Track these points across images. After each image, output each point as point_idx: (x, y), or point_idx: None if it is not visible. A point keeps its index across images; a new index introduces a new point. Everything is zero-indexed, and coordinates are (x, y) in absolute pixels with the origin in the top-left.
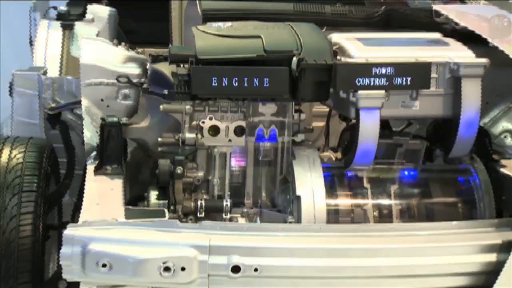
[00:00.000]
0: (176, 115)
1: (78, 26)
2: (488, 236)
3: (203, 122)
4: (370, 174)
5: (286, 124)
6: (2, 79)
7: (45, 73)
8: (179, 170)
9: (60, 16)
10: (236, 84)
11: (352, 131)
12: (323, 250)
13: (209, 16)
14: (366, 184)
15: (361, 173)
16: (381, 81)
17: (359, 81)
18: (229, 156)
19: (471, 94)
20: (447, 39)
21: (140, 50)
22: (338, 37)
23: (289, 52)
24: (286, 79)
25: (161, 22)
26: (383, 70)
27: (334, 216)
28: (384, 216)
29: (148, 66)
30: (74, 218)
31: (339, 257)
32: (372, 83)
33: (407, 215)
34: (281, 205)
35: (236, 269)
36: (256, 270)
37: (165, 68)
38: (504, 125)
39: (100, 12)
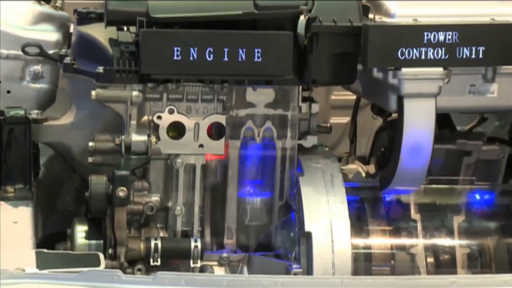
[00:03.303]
0: (116, 107)
1: None
2: None
3: (160, 117)
4: (420, 198)
5: (289, 120)
6: None
7: None
8: (121, 192)
9: None
10: (211, 57)
11: (392, 132)
12: None
13: None
14: (414, 214)
15: (406, 197)
16: (437, 54)
17: (403, 54)
18: (200, 170)
19: None
20: None
21: (59, 2)
22: None
23: (294, 7)
24: (289, 50)
25: None
26: (441, 36)
27: (364, 264)
28: (443, 264)
29: (72, 29)
30: None
31: None
32: (423, 57)
33: (479, 263)
34: (281, 247)
35: None
36: None
37: (100, 33)
38: None
39: None
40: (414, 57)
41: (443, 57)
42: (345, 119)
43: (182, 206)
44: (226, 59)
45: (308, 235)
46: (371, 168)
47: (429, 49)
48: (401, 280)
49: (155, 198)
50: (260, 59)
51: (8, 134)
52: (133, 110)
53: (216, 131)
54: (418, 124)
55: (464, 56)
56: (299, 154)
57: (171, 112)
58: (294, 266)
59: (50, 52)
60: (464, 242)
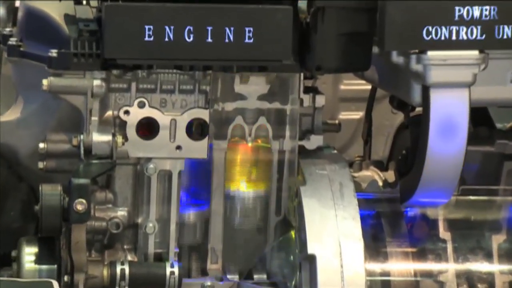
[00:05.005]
0: (74, 99)
1: None
2: None
3: (127, 113)
4: (451, 213)
5: (287, 115)
6: None
7: None
8: (79, 205)
9: None
10: (191, 38)
11: (415, 130)
12: None
13: None
14: (443, 232)
15: (433, 211)
16: (471, 33)
17: (429, 33)
18: (178, 178)
19: None
20: None
21: None
22: None
23: None
24: (287, 29)
25: None
26: (476, 12)
27: None
28: None
29: (18, 2)
30: None
31: None
32: (454, 37)
33: None
34: (278, 273)
35: None
36: None
37: (53, 8)
38: None
39: None
40: (442, 38)
41: (478, 37)
42: (358, 115)
43: (155, 222)
44: (209, 40)
45: (312, 259)
46: (390, 176)
47: (461, 27)
48: None
49: (121, 213)
50: (251, 40)
51: None
52: (95, 103)
53: (197, 130)
54: (448, 121)
55: (505, 36)
56: (300, 158)
57: (141, 105)
58: None
59: None
60: (505, 267)
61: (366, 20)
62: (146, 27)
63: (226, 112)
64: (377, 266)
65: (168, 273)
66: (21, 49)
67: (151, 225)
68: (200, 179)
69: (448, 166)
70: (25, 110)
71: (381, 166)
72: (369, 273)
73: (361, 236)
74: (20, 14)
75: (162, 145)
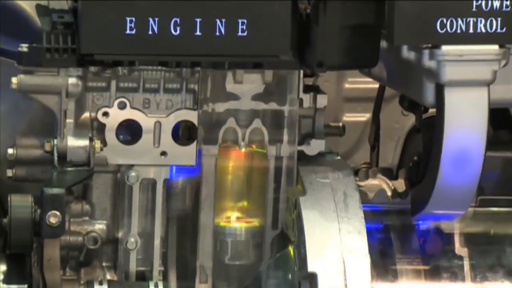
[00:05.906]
0: (46, 99)
1: None
2: None
3: (106, 114)
4: (468, 226)
5: (285, 118)
6: None
7: None
8: (53, 218)
9: None
10: (178, 31)
11: (428, 134)
12: None
13: None
14: (459, 248)
15: (448, 224)
16: (491, 26)
17: (443, 26)
18: (163, 187)
19: None
20: None
21: None
22: None
23: None
24: (285, 21)
25: None
26: (496, 3)
27: None
28: None
29: None
30: None
31: None
32: (471, 30)
33: None
34: None
35: None
36: None
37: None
38: None
39: None
40: (458, 31)
41: (498, 30)
42: (364, 116)
43: (137, 237)
44: (198, 33)
45: (312, 277)
46: (400, 185)
47: (479, 19)
48: None
49: (99, 226)
50: (245, 33)
51: None
52: (70, 104)
53: (184, 133)
54: (465, 123)
55: None
56: (299, 164)
57: (122, 106)
58: None
59: None
60: None
61: (373, 11)
62: (128, 18)
63: (217, 113)
64: (385, 286)
65: None
66: None
67: (132, 240)
68: None
69: (464, 173)
70: None
71: (390, 174)
72: None
73: (368, 252)
74: None
75: (145, 150)
